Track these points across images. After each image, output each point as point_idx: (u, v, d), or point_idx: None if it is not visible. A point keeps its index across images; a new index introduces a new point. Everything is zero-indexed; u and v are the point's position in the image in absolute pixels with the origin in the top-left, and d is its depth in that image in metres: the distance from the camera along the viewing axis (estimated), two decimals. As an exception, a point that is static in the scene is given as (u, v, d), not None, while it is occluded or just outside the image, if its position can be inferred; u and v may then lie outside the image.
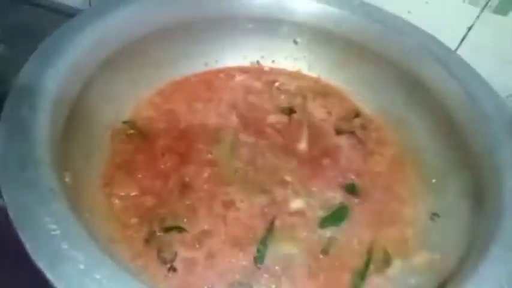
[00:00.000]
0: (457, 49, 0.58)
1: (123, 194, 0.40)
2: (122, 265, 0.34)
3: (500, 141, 0.39)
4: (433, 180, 0.44)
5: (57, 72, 0.37)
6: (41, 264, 0.24)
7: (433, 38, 0.50)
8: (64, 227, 0.26)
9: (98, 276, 0.25)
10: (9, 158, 0.29)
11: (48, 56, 0.38)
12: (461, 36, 0.59)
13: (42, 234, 0.26)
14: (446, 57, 0.48)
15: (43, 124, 0.32)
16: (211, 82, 0.52)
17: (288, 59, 0.55)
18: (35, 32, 0.42)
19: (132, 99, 0.48)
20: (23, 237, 0.25)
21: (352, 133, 0.49)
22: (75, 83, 0.39)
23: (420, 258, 0.39)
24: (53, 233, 0.26)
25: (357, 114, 0.51)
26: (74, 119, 0.38)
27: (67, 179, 0.35)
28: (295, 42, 0.54)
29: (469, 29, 0.59)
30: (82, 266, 0.25)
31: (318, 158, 0.47)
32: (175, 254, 0.37)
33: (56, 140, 0.33)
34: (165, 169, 0.43)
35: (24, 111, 0.32)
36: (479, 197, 0.38)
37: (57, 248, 0.25)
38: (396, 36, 0.50)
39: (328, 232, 0.40)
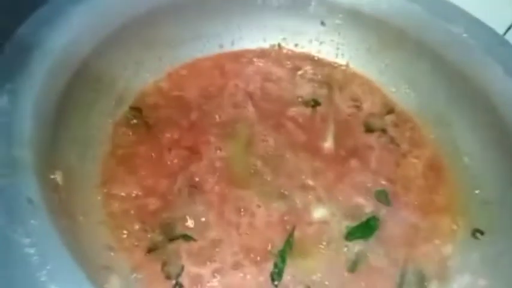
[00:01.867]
0: (504, 34, 0.51)
1: (123, 194, 0.35)
2: (120, 277, 0.31)
3: None
4: (476, 191, 0.39)
5: (49, 48, 0.32)
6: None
7: (482, 25, 0.43)
8: (44, 251, 0.21)
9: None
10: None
11: (39, 29, 0.33)
12: (508, 23, 0.52)
13: (17, 260, 0.20)
14: (498, 49, 0.41)
15: (27, 114, 0.27)
16: (225, 67, 0.46)
17: (313, 42, 0.49)
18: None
19: (137, 83, 0.42)
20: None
21: (383, 131, 0.44)
22: (70, 63, 0.34)
23: (461, 283, 0.34)
24: (29, 259, 0.20)
25: (390, 110, 0.45)
26: (67, 106, 0.33)
27: (58, 179, 0.30)
28: (323, 23, 0.48)
29: (519, 15, 0.52)
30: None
31: (345, 159, 0.41)
32: (182, 268, 0.32)
33: (44, 133, 0.28)
34: (171, 166, 0.38)
35: (2, 100, 0.26)
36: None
37: (34, 280, 0.20)
38: (440, 22, 0.44)
39: (355, 246, 0.35)
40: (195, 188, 0.37)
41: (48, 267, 0.21)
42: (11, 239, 0.21)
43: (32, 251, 0.21)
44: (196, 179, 0.37)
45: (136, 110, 0.40)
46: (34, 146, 0.26)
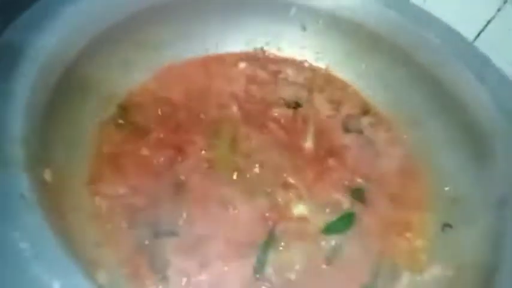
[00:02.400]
0: (473, 42, 0.54)
1: (110, 192, 0.36)
2: (108, 272, 0.32)
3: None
4: (446, 188, 0.41)
5: (38, 49, 0.32)
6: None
7: (453, 31, 0.46)
8: (37, 245, 0.22)
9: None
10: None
11: (27, 30, 0.34)
12: (478, 29, 0.55)
13: (10, 253, 0.21)
14: (468, 54, 0.44)
15: (17, 113, 0.28)
16: (210, 69, 0.48)
17: (294, 46, 0.51)
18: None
19: (123, 83, 0.43)
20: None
21: (360, 132, 0.46)
22: (58, 63, 0.35)
23: (432, 273, 0.36)
24: (23, 253, 0.21)
25: (367, 111, 0.48)
26: (55, 105, 0.33)
27: (46, 177, 0.31)
28: (304, 28, 0.50)
29: (488, 22, 0.55)
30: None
31: (324, 158, 0.43)
32: (168, 263, 0.33)
33: (33, 131, 0.29)
34: (157, 165, 0.39)
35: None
36: (500, 211, 0.35)
37: (28, 272, 0.21)
38: (414, 28, 0.46)
39: (332, 240, 0.37)
40: (180, 186, 0.38)
41: (41, 261, 0.22)
42: (5, 233, 0.22)
43: (24, 245, 0.22)
44: (182, 178, 0.39)
45: (123, 109, 0.41)
46: (24, 144, 0.27)
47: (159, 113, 0.43)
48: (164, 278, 0.33)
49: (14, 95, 0.28)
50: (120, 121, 0.41)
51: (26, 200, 0.24)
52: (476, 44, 0.53)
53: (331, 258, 0.36)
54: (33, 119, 0.30)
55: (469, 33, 0.50)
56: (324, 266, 0.36)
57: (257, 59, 0.50)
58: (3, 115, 0.28)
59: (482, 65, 0.43)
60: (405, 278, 0.36)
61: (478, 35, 0.56)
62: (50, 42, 0.34)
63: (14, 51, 0.32)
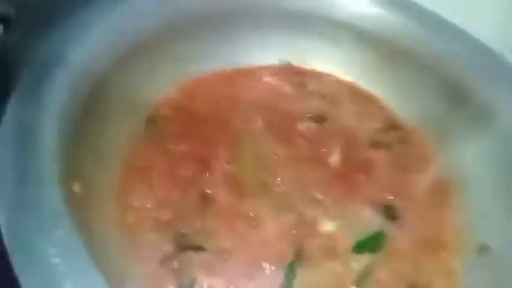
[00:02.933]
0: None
1: (138, 205, 0.36)
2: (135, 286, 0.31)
3: None
4: (481, 207, 0.39)
5: (68, 67, 0.33)
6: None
7: (480, 44, 0.45)
8: (69, 260, 0.22)
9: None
10: (8, 170, 0.25)
11: (59, 44, 0.34)
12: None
13: (42, 268, 0.21)
14: (500, 69, 0.43)
15: (50, 128, 0.28)
16: (236, 82, 0.48)
17: (320, 60, 0.50)
18: (46, 14, 0.37)
19: (151, 96, 0.43)
20: (17, 270, 0.21)
21: (389, 147, 0.45)
22: (89, 77, 0.35)
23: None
24: (55, 268, 0.21)
25: (395, 126, 0.47)
26: (86, 119, 0.34)
27: (76, 189, 0.31)
28: (331, 42, 0.49)
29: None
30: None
31: (352, 173, 0.42)
32: (194, 280, 0.33)
33: (65, 145, 0.29)
34: (183, 178, 0.39)
35: (29, 113, 0.28)
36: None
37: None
38: (442, 41, 0.45)
39: (363, 261, 0.36)
40: (206, 199, 0.38)
41: (72, 277, 0.21)
42: (38, 247, 0.22)
43: (57, 260, 0.22)
44: (208, 191, 0.38)
45: (150, 122, 0.42)
46: (57, 160, 0.27)
47: (185, 126, 0.43)
48: (190, 294, 0.32)
49: (47, 109, 0.29)
50: (147, 134, 0.41)
51: (59, 215, 0.24)
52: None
53: (361, 279, 0.35)
54: (65, 133, 0.31)
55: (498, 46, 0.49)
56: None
57: (283, 72, 0.50)
58: (36, 129, 0.28)
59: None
60: (440, 302, 0.34)
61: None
62: (80, 57, 0.35)
63: (46, 65, 0.33)
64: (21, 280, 0.21)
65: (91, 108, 0.34)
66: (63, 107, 0.31)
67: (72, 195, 0.30)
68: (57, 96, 0.31)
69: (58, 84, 0.32)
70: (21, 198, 0.24)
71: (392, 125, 0.47)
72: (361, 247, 0.36)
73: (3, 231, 0.22)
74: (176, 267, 0.33)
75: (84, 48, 0.35)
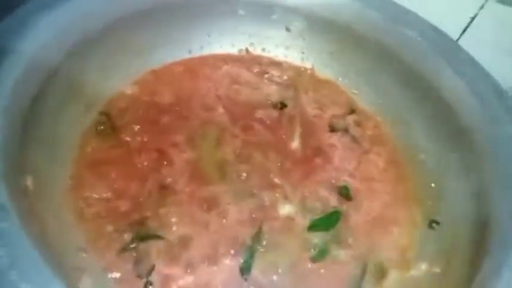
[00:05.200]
0: (458, 39, 0.55)
1: (95, 196, 0.36)
2: (93, 277, 0.31)
3: (509, 143, 0.36)
4: (432, 185, 0.41)
5: (18, 55, 0.32)
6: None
7: (436, 30, 0.46)
8: (14, 252, 0.22)
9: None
10: None
11: (7, 36, 0.33)
12: (463, 26, 0.56)
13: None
14: (450, 51, 0.44)
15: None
16: (195, 71, 0.48)
17: (279, 47, 0.51)
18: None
19: (106, 88, 0.43)
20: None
21: (346, 131, 0.46)
22: (39, 70, 0.34)
23: (419, 270, 0.36)
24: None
25: (352, 110, 0.48)
26: (36, 112, 0.33)
27: (28, 183, 0.31)
28: (288, 29, 0.50)
29: (472, 19, 0.56)
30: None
31: (310, 157, 0.43)
32: (153, 267, 0.33)
33: (12, 140, 0.29)
34: (142, 169, 0.39)
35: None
36: (484, 204, 0.35)
37: (4, 280, 0.21)
38: (397, 27, 0.46)
39: (316, 239, 0.37)
40: (165, 189, 0.38)
41: (17, 268, 0.21)
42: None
43: (1, 252, 0.21)
44: (167, 181, 0.38)
45: (105, 115, 0.41)
46: (3, 152, 0.27)
47: (143, 117, 0.43)
48: (149, 283, 0.32)
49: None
50: (103, 126, 0.40)
51: (4, 209, 0.23)
52: (461, 41, 0.54)
53: (316, 256, 0.36)
54: (13, 126, 0.30)
55: (453, 31, 0.51)
56: (309, 265, 0.35)
57: (242, 60, 0.50)
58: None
59: (464, 62, 0.44)
60: (392, 276, 0.36)
61: (463, 32, 0.56)
62: (30, 49, 0.34)
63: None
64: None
65: (41, 100, 0.33)
66: (8, 99, 0.30)
67: (22, 189, 0.29)
68: (4, 89, 0.30)
69: (4, 76, 0.31)
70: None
71: (350, 110, 0.48)
72: (316, 226, 0.37)
73: None
74: (135, 256, 0.33)
75: (32, 38, 0.34)
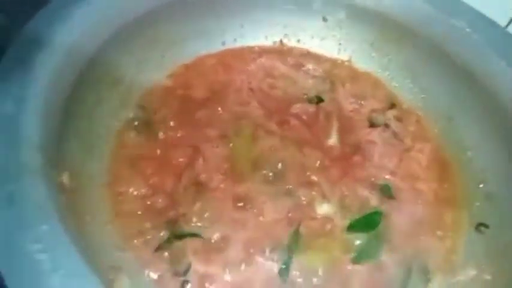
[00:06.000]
0: (507, 27, 0.51)
1: (129, 193, 0.35)
2: (130, 276, 0.31)
3: None
4: (480, 185, 0.39)
5: (53, 49, 0.32)
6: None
7: (485, 19, 0.43)
8: (56, 256, 0.21)
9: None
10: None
11: (42, 29, 0.33)
12: (510, 16, 0.52)
13: (27, 265, 0.21)
14: (499, 40, 0.41)
15: (33, 118, 0.27)
16: (229, 64, 0.47)
17: (315, 38, 0.49)
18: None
19: (141, 82, 0.42)
20: (2, 269, 0.20)
21: (386, 126, 0.44)
22: (74, 64, 0.34)
23: (466, 276, 0.34)
24: (41, 264, 0.21)
25: (393, 105, 0.46)
26: (72, 108, 0.33)
27: (64, 180, 0.30)
28: (325, 19, 0.48)
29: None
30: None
31: (349, 154, 0.41)
32: (189, 265, 0.32)
33: (50, 136, 0.29)
34: (177, 164, 0.38)
35: (8, 104, 0.27)
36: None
37: (46, 285, 0.20)
38: (442, 16, 0.44)
39: (357, 240, 0.35)
40: (200, 185, 0.37)
41: (60, 272, 0.21)
42: (22, 245, 0.22)
43: (43, 256, 0.21)
44: (202, 177, 0.38)
45: (141, 108, 0.41)
46: (41, 150, 0.26)
47: (177, 111, 0.42)
48: (186, 282, 0.32)
49: (30, 99, 0.28)
50: (138, 120, 0.40)
51: (44, 210, 0.23)
52: (509, 29, 0.50)
53: (357, 258, 0.34)
54: (50, 123, 0.30)
55: (501, 20, 0.47)
56: (350, 267, 0.34)
57: (276, 52, 0.48)
58: (19, 121, 0.27)
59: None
60: (438, 280, 0.34)
61: (510, 22, 0.53)
62: (65, 43, 0.33)
63: (29, 52, 0.32)
64: (7, 281, 0.20)
65: (77, 95, 0.33)
66: (47, 96, 0.30)
67: (61, 187, 0.29)
68: (41, 81, 0.30)
69: (42, 67, 0.31)
70: (2, 195, 0.23)
71: (391, 104, 0.46)
72: (356, 227, 0.36)
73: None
74: (171, 254, 0.33)
75: (67, 31, 0.34)
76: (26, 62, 0.30)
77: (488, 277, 0.33)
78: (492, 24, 0.43)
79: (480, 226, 0.36)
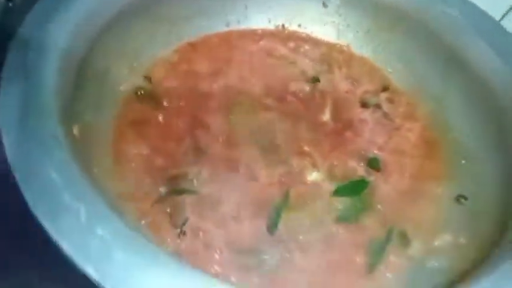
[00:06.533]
0: (500, 20, 0.53)
1: (134, 151, 0.38)
2: (128, 224, 0.34)
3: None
4: (463, 161, 0.41)
5: (67, 21, 0.35)
6: (40, 216, 0.23)
7: (477, 9, 0.46)
8: (66, 177, 0.25)
9: (100, 232, 0.23)
10: (12, 104, 0.27)
11: (57, 4, 0.36)
12: (507, 6, 0.54)
13: (43, 183, 0.24)
14: (490, 31, 0.44)
15: (51, 71, 0.30)
16: (232, 43, 0.49)
17: (315, 23, 0.52)
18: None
19: (147, 56, 0.45)
20: (22, 186, 0.23)
21: (378, 107, 0.46)
22: (86, 34, 0.37)
23: (443, 241, 0.36)
24: (54, 182, 0.24)
25: (386, 87, 0.48)
26: (84, 70, 0.35)
27: (75, 132, 0.33)
28: (325, 5, 0.51)
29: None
30: (84, 220, 0.23)
31: (340, 130, 0.44)
32: (187, 219, 0.35)
33: (64, 89, 0.32)
34: (178, 131, 0.41)
35: (31, 57, 0.30)
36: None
37: (58, 199, 0.24)
38: (437, 4, 0.46)
39: (342, 203, 0.38)
40: (199, 150, 0.40)
41: (70, 190, 0.24)
42: (39, 166, 0.25)
43: (55, 175, 0.24)
44: (201, 143, 0.40)
45: (147, 79, 0.43)
46: (58, 96, 0.29)
47: (181, 84, 0.45)
48: (182, 233, 0.35)
49: (49, 49, 0.31)
50: (144, 89, 0.43)
51: (58, 140, 0.26)
52: (503, 22, 0.52)
53: (341, 218, 0.37)
54: (65, 81, 0.33)
55: (495, 13, 0.50)
56: (334, 226, 0.36)
57: (277, 35, 0.51)
58: (40, 73, 0.30)
59: (506, 44, 0.43)
60: (417, 244, 0.36)
61: (505, 14, 0.55)
62: (81, 9, 0.36)
63: (41, 22, 0.34)
64: (26, 195, 0.23)
65: (90, 57, 0.36)
66: (63, 56, 0.33)
67: (72, 136, 0.32)
68: (57, 46, 0.33)
69: (58, 36, 0.34)
70: (24, 127, 0.26)
71: (384, 87, 0.48)
72: (341, 191, 0.38)
73: (7, 154, 0.25)
74: (169, 208, 0.36)
75: (77, 9, 0.36)
76: (45, 30, 0.33)
77: (463, 241, 0.35)
78: (483, 14, 0.46)
79: (460, 197, 0.39)
